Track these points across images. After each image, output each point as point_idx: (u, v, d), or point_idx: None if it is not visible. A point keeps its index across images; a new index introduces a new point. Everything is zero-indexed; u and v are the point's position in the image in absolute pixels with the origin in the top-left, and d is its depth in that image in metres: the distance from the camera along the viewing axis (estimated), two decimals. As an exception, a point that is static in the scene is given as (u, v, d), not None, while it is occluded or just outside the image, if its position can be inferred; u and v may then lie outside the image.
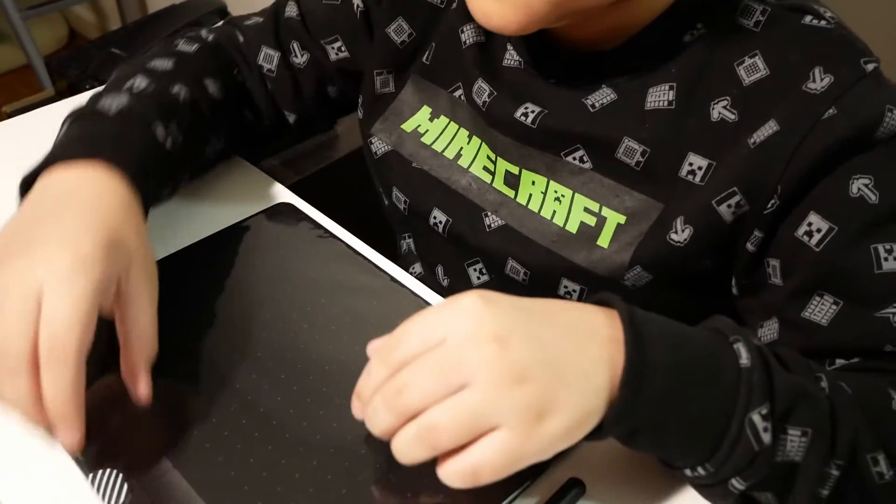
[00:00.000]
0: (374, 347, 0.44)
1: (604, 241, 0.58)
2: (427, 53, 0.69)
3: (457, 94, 0.67)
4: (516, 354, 0.39)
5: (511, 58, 0.63)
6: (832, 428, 0.43)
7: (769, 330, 0.55)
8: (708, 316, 0.64)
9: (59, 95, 1.23)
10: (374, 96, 0.72)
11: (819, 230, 0.50)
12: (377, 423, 0.41)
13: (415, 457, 0.40)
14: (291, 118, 0.75)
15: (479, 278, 0.67)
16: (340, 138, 1.21)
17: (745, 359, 0.42)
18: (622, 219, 0.57)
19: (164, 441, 0.49)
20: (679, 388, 0.41)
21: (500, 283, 0.65)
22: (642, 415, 0.41)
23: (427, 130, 0.68)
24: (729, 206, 0.53)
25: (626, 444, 0.44)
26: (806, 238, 0.51)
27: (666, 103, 0.55)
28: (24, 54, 2.03)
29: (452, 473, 0.39)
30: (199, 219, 0.68)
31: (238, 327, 0.57)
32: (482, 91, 0.63)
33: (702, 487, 0.46)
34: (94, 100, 0.61)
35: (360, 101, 0.74)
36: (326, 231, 0.67)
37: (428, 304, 0.60)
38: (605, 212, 0.58)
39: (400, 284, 0.61)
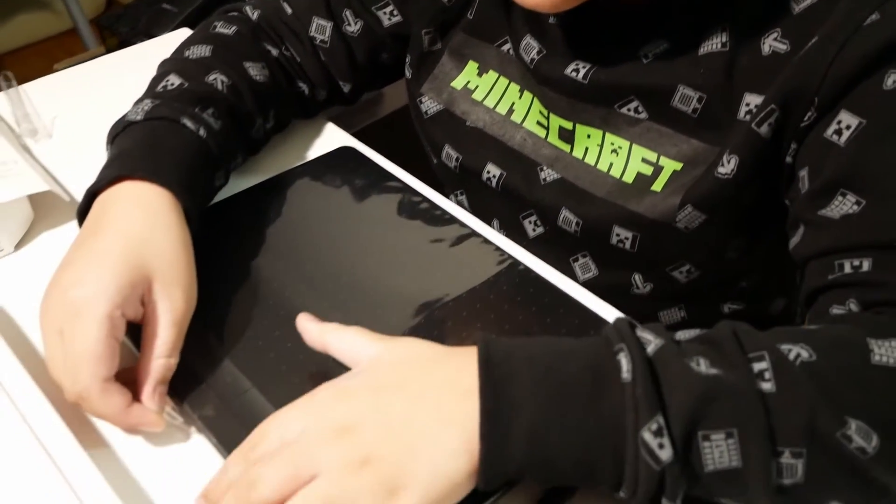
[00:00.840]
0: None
1: (657, 186, 0.58)
2: (472, 9, 0.68)
3: (504, 48, 0.67)
4: (361, 440, 0.40)
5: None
6: (766, 417, 0.38)
7: (796, 238, 0.53)
8: (767, 261, 0.65)
9: (110, 52, 1.25)
10: (422, 55, 0.71)
11: (848, 126, 0.48)
12: None
13: None
14: (346, 87, 0.74)
15: (534, 230, 0.68)
16: (386, 95, 1.22)
17: (625, 372, 0.39)
18: (678, 166, 0.57)
19: (240, 360, 0.51)
20: (552, 422, 0.39)
21: (554, 234, 0.65)
22: (514, 459, 0.39)
23: (477, 86, 0.68)
24: (770, 124, 0.52)
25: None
26: (835, 137, 0.49)
27: (719, 45, 0.54)
28: (70, 18, 2.06)
29: None
30: (264, 162, 0.70)
31: (300, 257, 0.59)
32: (530, 48, 0.63)
33: None
34: (134, 107, 0.61)
35: (407, 60, 0.73)
36: (388, 173, 0.68)
37: (491, 243, 0.61)
38: (663, 161, 0.58)
39: (462, 224, 0.63)
